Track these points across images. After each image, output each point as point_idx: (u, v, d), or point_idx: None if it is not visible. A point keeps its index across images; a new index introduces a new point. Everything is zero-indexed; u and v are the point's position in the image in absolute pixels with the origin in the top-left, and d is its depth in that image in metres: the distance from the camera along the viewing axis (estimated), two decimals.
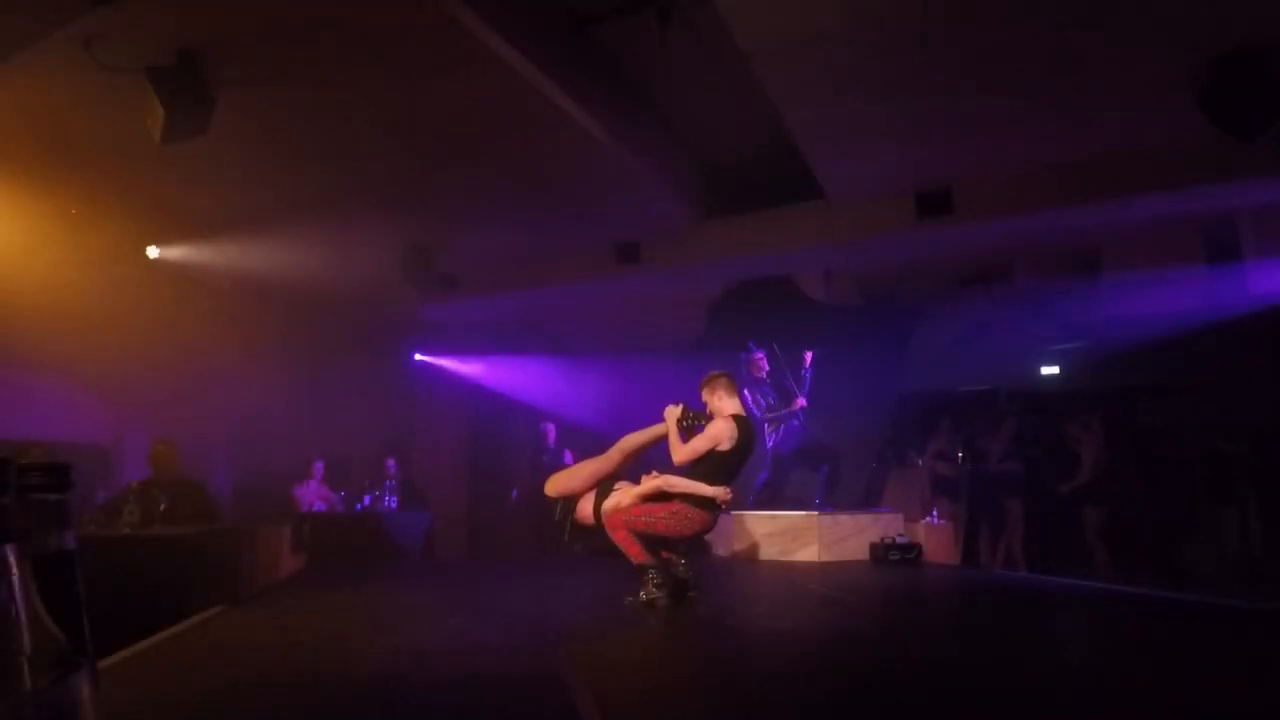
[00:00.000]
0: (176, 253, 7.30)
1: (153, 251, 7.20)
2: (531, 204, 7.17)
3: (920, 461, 7.45)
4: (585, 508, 4.01)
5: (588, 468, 4.11)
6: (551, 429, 8.23)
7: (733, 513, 6.60)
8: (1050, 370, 7.70)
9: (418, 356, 9.98)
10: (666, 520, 3.78)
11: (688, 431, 3.95)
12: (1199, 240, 6.95)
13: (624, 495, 3.88)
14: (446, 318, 9.65)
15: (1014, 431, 7.01)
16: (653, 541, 3.87)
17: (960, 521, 6.94)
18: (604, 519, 3.88)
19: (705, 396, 3.98)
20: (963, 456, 7.18)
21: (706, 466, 3.84)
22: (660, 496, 3.82)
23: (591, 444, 4.60)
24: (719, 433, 3.83)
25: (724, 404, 3.93)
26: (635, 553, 3.79)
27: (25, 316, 6.04)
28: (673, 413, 3.94)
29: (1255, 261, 6.60)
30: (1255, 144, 5.01)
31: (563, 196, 7.07)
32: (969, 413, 7.47)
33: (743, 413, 3.97)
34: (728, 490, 3.83)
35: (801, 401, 6.70)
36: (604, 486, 4.00)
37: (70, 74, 4.65)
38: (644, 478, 3.95)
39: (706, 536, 6.65)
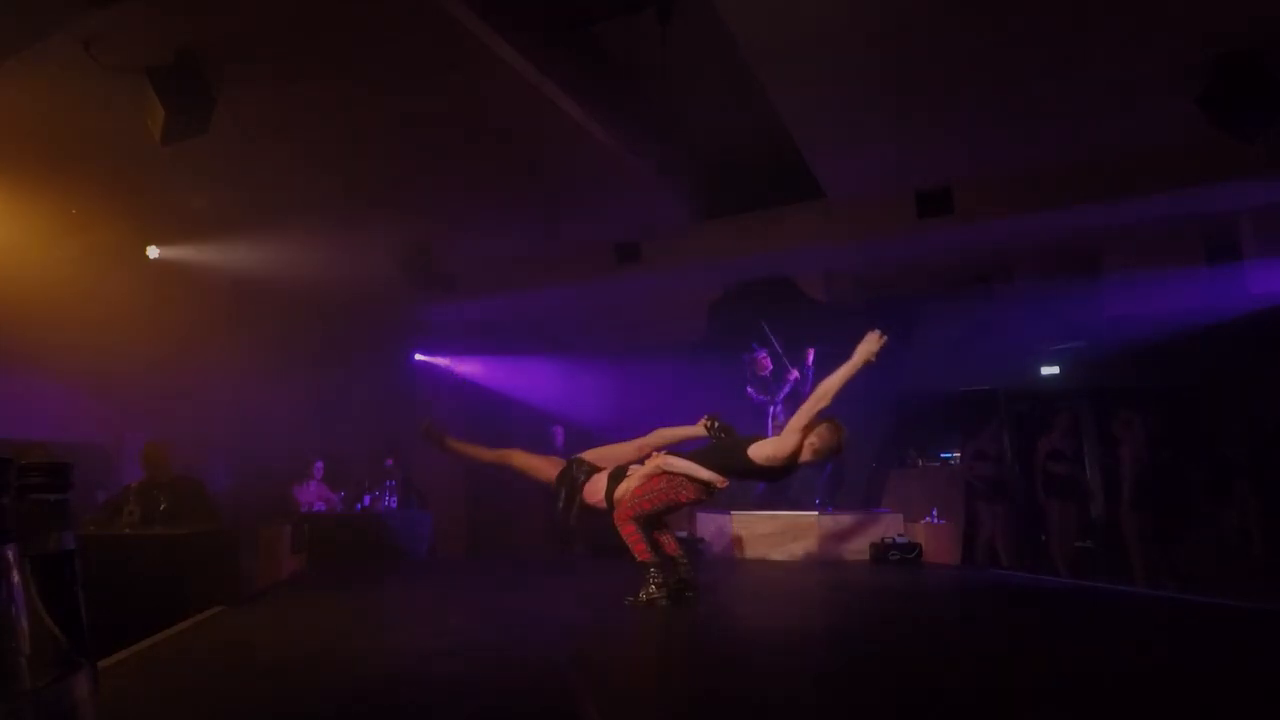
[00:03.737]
0: (176, 253, 7.29)
1: (153, 251, 7.19)
2: (531, 204, 7.17)
3: (926, 463, 7.42)
4: (597, 489, 4.02)
5: (627, 452, 4.18)
6: (560, 431, 8.22)
7: (732, 512, 6.62)
8: (1050, 370, 7.70)
9: (418, 356, 9.98)
10: (665, 490, 3.85)
11: (714, 434, 4.01)
12: (1199, 240, 6.95)
13: (632, 479, 3.94)
14: (446, 318, 9.65)
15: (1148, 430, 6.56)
16: (655, 519, 3.93)
17: (1003, 523, 6.89)
18: (615, 509, 3.91)
19: (819, 430, 3.73)
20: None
21: (720, 459, 3.86)
22: (660, 474, 3.89)
23: (591, 444, 4.59)
24: (786, 452, 3.71)
25: (808, 446, 3.73)
26: (640, 550, 3.81)
27: (25, 316, 6.04)
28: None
29: (1255, 261, 6.60)
30: (1255, 144, 5.01)
31: (563, 196, 7.07)
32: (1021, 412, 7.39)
33: (796, 462, 3.82)
34: (724, 480, 3.85)
35: (794, 374, 6.83)
36: (617, 472, 4.02)
37: (70, 74, 4.64)
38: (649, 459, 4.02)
39: (705, 536, 6.73)
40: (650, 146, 6.54)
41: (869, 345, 3.65)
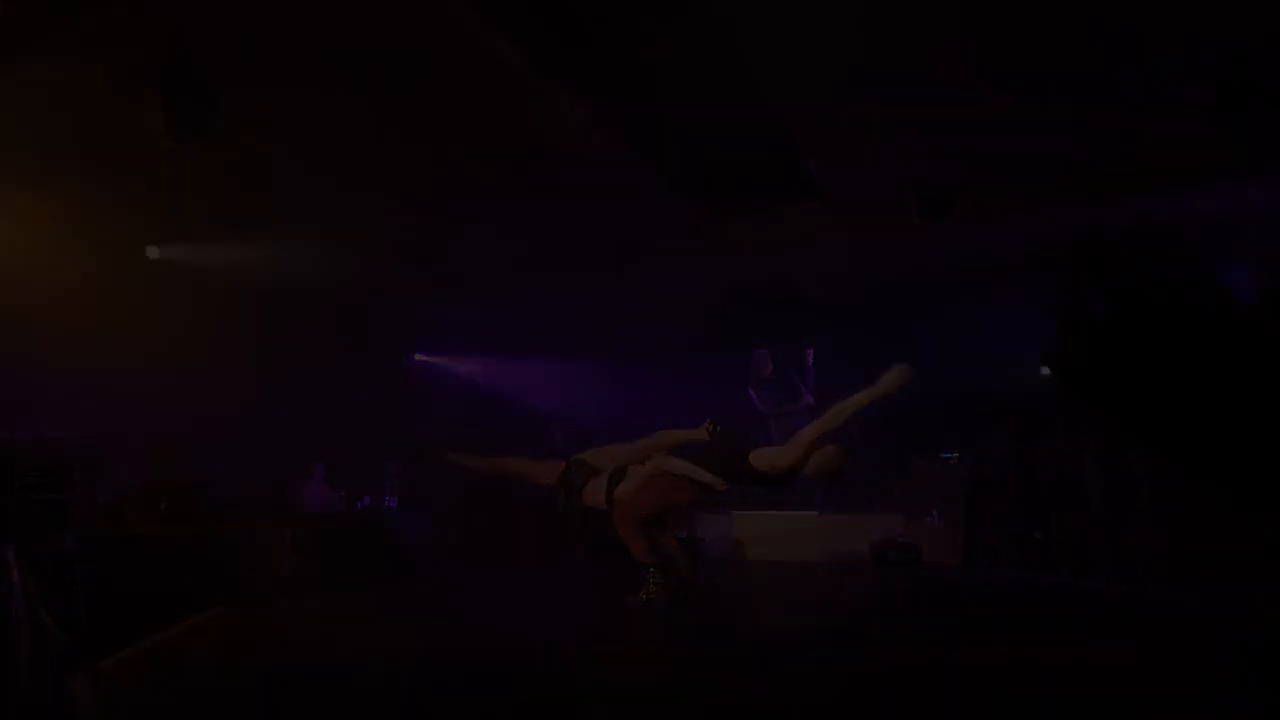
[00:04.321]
0: (176, 253, 7.30)
1: (153, 251, 7.20)
2: (531, 204, 7.17)
3: (926, 463, 7.40)
4: (597, 490, 4.02)
5: (627, 453, 4.14)
6: (559, 432, 8.27)
7: (733, 512, 6.62)
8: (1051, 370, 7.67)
9: (418, 356, 9.98)
10: (665, 491, 3.85)
11: (716, 438, 4.00)
12: (1198, 240, 6.94)
13: (632, 480, 3.93)
14: (446, 318, 9.65)
15: None
16: (655, 520, 3.92)
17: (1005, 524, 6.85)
18: (615, 508, 3.91)
19: (824, 451, 3.77)
20: None
21: (721, 463, 3.86)
22: (660, 474, 3.88)
23: (590, 445, 4.60)
24: (788, 463, 3.73)
25: (811, 463, 3.76)
26: (640, 550, 3.81)
27: (25, 316, 6.04)
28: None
29: (1255, 261, 6.59)
30: (1256, 144, 5.01)
31: (563, 196, 7.07)
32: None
33: (796, 473, 3.83)
34: (724, 483, 3.86)
35: (809, 399, 6.80)
36: (617, 473, 4.02)
37: (70, 74, 4.64)
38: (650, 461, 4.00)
39: (705, 536, 6.73)
40: (650, 146, 6.54)
41: (895, 377, 3.65)
